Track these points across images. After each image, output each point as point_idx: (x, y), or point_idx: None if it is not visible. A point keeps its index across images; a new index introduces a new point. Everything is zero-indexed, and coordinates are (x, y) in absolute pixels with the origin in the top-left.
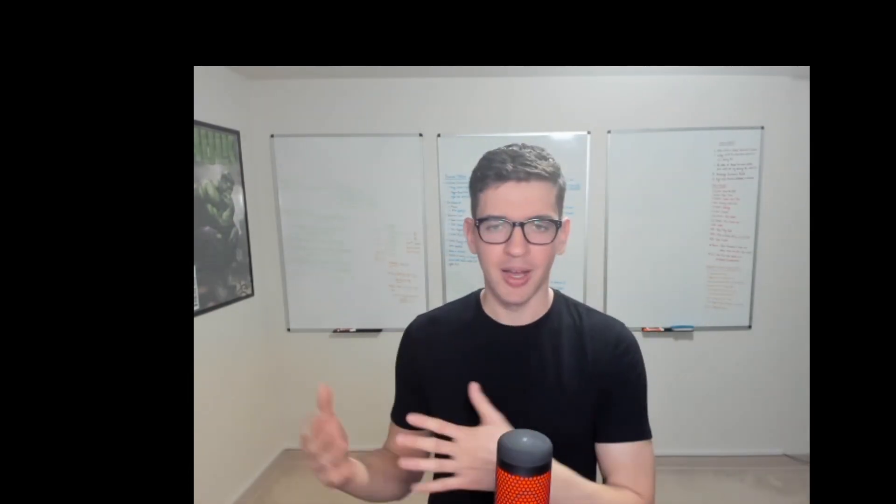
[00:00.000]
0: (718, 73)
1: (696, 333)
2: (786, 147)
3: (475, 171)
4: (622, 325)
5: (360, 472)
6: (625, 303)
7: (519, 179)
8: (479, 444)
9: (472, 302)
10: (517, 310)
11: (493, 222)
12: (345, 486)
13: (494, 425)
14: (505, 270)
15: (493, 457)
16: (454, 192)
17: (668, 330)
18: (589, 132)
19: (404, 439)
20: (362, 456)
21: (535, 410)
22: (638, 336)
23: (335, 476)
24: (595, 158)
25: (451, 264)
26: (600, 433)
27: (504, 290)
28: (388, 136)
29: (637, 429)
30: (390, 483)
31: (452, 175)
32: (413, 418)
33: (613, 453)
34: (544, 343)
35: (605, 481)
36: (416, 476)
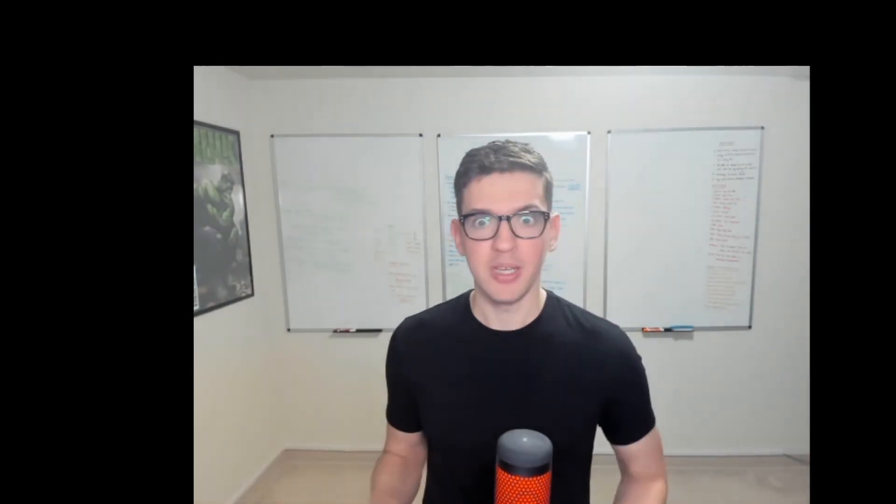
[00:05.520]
0: (718, 73)
1: (696, 333)
2: (786, 147)
3: (458, 169)
4: (618, 329)
5: None
6: (625, 303)
7: (503, 170)
8: None
9: (462, 304)
10: (508, 311)
11: (479, 217)
12: None
13: None
14: (494, 268)
15: None
16: (454, 193)
17: (668, 330)
18: (589, 132)
19: None
20: (376, 478)
21: (529, 417)
22: (638, 336)
23: None
24: (595, 158)
25: (451, 264)
26: (616, 437)
27: (494, 288)
28: (388, 136)
29: (646, 423)
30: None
31: (452, 175)
32: None
33: (630, 450)
34: (537, 349)
35: (621, 467)
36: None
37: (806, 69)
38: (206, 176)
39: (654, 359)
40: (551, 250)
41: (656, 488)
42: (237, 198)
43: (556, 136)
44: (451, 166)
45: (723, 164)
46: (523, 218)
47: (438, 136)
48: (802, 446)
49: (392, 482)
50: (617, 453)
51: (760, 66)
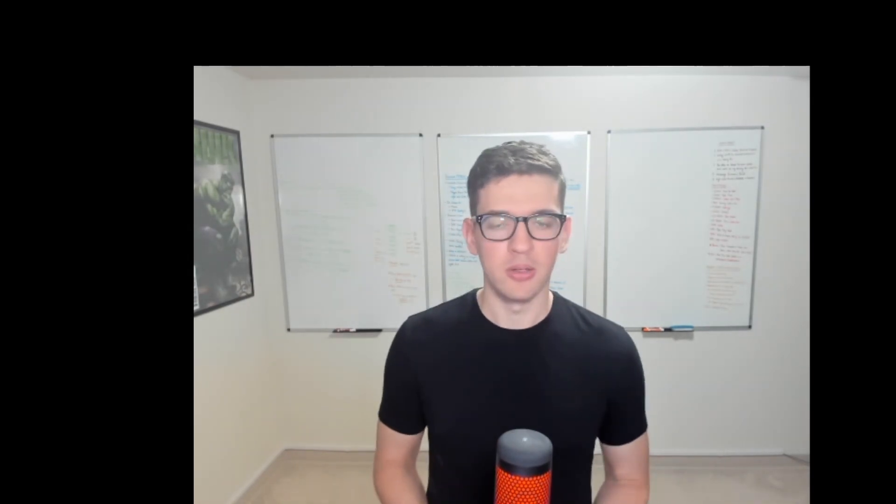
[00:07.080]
0: (718, 73)
1: (696, 333)
2: (786, 147)
3: (474, 168)
4: (624, 330)
5: None
6: (625, 303)
7: (521, 172)
8: None
9: (469, 303)
10: (519, 311)
11: (495, 219)
12: None
13: None
14: (510, 269)
15: None
16: (454, 192)
17: (668, 330)
18: (589, 132)
19: None
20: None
21: (537, 416)
22: (638, 336)
23: None
24: (595, 158)
25: (451, 264)
26: (608, 437)
27: (510, 287)
28: (388, 136)
29: (638, 427)
30: None
31: (452, 175)
32: None
33: (619, 451)
34: (546, 348)
35: (607, 469)
36: None
37: (806, 69)
38: (206, 176)
39: (654, 359)
40: (562, 251)
41: (640, 498)
42: (237, 198)
43: (556, 135)
44: (451, 166)
45: (723, 164)
46: (539, 220)
47: (438, 136)
48: (802, 446)
49: (414, 501)
50: (605, 453)
51: (760, 66)
